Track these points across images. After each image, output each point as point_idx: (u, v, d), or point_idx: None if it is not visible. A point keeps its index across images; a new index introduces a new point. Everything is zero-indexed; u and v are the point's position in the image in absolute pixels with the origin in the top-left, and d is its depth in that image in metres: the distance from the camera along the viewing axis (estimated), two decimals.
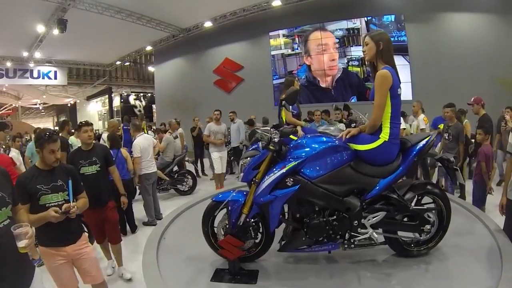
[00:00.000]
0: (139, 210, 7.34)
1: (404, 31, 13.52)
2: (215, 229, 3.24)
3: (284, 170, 2.73)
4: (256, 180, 2.85)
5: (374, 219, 2.84)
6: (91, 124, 4.81)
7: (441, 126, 7.63)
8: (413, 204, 2.93)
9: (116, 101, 29.14)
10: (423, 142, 2.93)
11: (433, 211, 3.04)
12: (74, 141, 7.07)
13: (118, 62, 24.51)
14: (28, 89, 25.14)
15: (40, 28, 15.65)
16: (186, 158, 10.45)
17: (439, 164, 3.68)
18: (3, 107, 30.39)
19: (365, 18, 14.13)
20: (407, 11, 13.47)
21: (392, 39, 12.03)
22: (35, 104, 32.06)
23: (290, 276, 2.94)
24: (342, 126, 5.86)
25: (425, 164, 7.40)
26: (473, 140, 7.61)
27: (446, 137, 6.91)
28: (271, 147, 2.83)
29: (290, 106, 5.03)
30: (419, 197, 3.07)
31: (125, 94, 29.05)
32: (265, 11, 15.29)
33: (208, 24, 16.79)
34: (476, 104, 7.14)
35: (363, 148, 2.83)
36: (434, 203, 3.11)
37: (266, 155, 2.89)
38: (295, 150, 2.88)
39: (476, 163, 5.70)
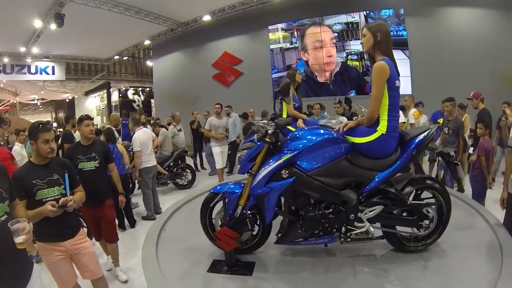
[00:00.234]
0: (139, 204, 7.36)
1: (403, 25, 13.49)
2: (213, 220, 3.27)
3: (279, 162, 2.72)
4: (252, 172, 2.85)
5: (371, 213, 2.82)
6: (93, 118, 4.73)
7: (441, 120, 7.61)
8: (411, 198, 2.89)
9: (115, 96, 29.07)
10: (423, 135, 2.89)
11: (432, 206, 3.01)
12: (77, 136, 7.05)
13: (116, 57, 24.34)
14: (26, 85, 25.03)
15: (37, 23, 15.48)
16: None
17: (439, 158, 3.66)
18: (1, 104, 30.27)
19: (364, 12, 14.08)
20: (407, 5, 13.44)
21: (391, 33, 12.11)
22: (33, 100, 31.90)
23: (286, 269, 2.95)
24: (343, 119, 5.84)
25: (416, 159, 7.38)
26: (472, 134, 7.62)
27: (446, 131, 6.89)
28: (267, 139, 2.82)
29: (291, 99, 5.04)
30: (419, 192, 3.02)
31: (124, 89, 28.93)
32: (264, 4, 15.23)
33: (206, 17, 16.68)
34: (475, 98, 7.13)
35: (360, 141, 2.80)
36: (434, 198, 3.07)
37: (262, 147, 2.87)
38: (292, 142, 2.86)
39: (475, 158, 5.66)
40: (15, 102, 30.78)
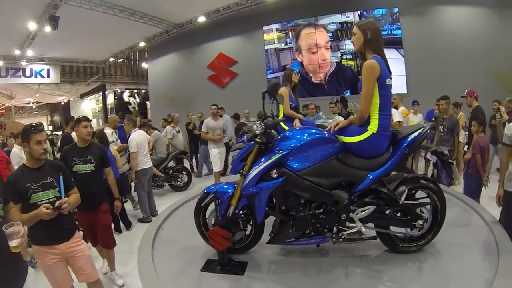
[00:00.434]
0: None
1: (397, 24, 13.57)
2: (207, 220, 3.29)
3: (268, 162, 2.71)
4: (243, 172, 2.85)
5: (363, 213, 2.78)
6: (91, 120, 4.65)
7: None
8: (403, 198, 2.84)
9: (110, 99, 28.93)
10: (415, 134, 2.85)
11: (427, 206, 2.97)
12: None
13: (112, 59, 24.30)
14: (21, 88, 24.88)
15: (32, 26, 15.43)
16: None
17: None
18: None
19: (358, 12, 14.17)
20: (401, 4, 13.51)
21: (385, 32, 12.10)
22: (28, 103, 31.77)
23: (279, 269, 2.95)
24: (339, 118, 5.84)
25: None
26: (466, 133, 7.66)
27: (441, 130, 6.92)
28: (257, 140, 2.82)
29: (288, 99, 5.05)
30: (413, 191, 2.98)
31: (119, 91, 28.82)
32: (259, 5, 15.21)
33: (201, 19, 16.65)
34: (469, 96, 7.15)
35: (351, 140, 2.79)
36: (428, 198, 3.02)
37: (253, 147, 2.87)
38: (282, 142, 2.85)
39: (470, 156, 5.68)
40: (10, 105, 30.64)
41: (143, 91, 28.92)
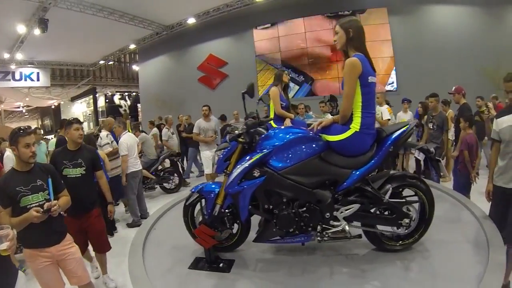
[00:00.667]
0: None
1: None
2: (195, 218, 3.32)
3: (250, 162, 2.71)
4: (227, 171, 2.86)
5: (347, 211, 2.75)
6: (82, 122, 4.57)
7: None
8: (387, 196, 2.79)
9: (101, 101, 28.85)
10: (399, 131, 2.80)
11: (413, 204, 2.94)
12: None
13: (102, 62, 24.18)
14: (10, 92, 24.61)
15: (21, 29, 15.29)
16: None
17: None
18: None
19: (348, 12, 14.19)
20: (391, 3, 13.60)
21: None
22: (18, 107, 31.51)
23: (265, 268, 2.97)
24: (330, 117, 5.87)
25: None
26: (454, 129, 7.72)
27: (431, 127, 6.99)
28: (240, 140, 2.83)
29: (279, 98, 5.08)
30: (400, 189, 2.94)
31: (110, 94, 28.73)
32: (248, 6, 15.26)
33: (191, 20, 16.69)
34: (457, 93, 7.18)
35: (334, 139, 2.75)
36: (416, 196, 2.97)
37: (236, 147, 2.88)
38: (265, 141, 2.84)
39: (457, 154, 5.73)
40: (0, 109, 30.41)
41: (134, 93, 28.87)
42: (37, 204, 2.99)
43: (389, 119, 7.82)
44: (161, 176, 9.38)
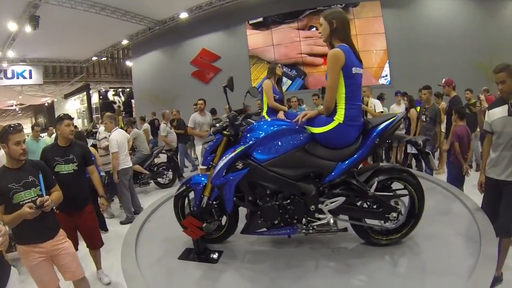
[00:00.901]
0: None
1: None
2: (186, 210, 3.35)
3: (233, 154, 2.71)
4: (213, 164, 2.86)
5: (332, 204, 2.70)
6: (73, 118, 4.56)
7: (418, 108, 7.73)
8: (372, 189, 2.72)
9: (95, 98, 28.74)
10: (386, 123, 2.73)
11: (402, 199, 2.86)
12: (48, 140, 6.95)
13: (95, 58, 24.01)
14: (2, 90, 24.42)
15: (12, 26, 15.18)
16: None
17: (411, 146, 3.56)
18: None
19: (341, 5, 14.17)
20: None
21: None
22: (11, 106, 31.33)
23: (251, 259, 2.97)
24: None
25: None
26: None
27: (424, 119, 7.01)
28: (224, 132, 2.83)
29: (272, 91, 5.09)
30: (389, 183, 2.88)
31: (104, 90, 28.60)
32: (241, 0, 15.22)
33: (184, 15, 16.59)
34: (447, 86, 7.19)
35: (318, 131, 2.72)
36: (405, 190, 2.88)
37: (220, 139, 2.88)
38: (249, 133, 2.84)
39: (448, 147, 5.75)
40: None
41: (128, 89, 28.72)
42: (30, 200, 3.00)
43: (382, 112, 7.84)
44: (155, 171, 9.37)
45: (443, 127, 7.43)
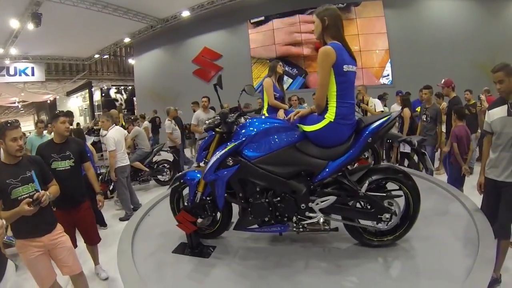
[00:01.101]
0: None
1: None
2: (181, 205, 3.41)
3: (224, 151, 2.73)
4: (206, 160, 2.90)
5: (323, 203, 2.67)
6: (70, 115, 4.56)
7: (418, 109, 7.73)
8: (363, 189, 2.69)
9: (97, 96, 28.81)
10: (379, 122, 2.68)
11: (395, 199, 2.82)
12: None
13: (97, 56, 24.06)
14: (5, 87, 24.48)
15: (14, 23, 15.19)
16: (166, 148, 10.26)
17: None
18: None
19: (342, 5, 14.11)
20: None
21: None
22: (14, 103, 31.40)
23: (243, 255, 2.99)
24: None
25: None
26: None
27: (424, 119, 7.00)
28: (217, 129, 2.87)
29: (272, 89, 5.10)
30: (384, 183, 2.84)
31: (106, 88, 28.66)
32: None
33: (186, 13, 16.60)
34: (446, 86, 7.16)
35: (309, 129, 2.70)
36: (400, 190, 2.84)
37: (213, 136, 2.91)
38: (241, 130, 2.84)
39: (447, 148, 5.74)
40: None
41: (130, 87, 28.72)
42: (28, 195, 3.03)
43: (382, 111, 7.83)
44: (155, 169, 9.37)
45: (443, 127, 7.43)
